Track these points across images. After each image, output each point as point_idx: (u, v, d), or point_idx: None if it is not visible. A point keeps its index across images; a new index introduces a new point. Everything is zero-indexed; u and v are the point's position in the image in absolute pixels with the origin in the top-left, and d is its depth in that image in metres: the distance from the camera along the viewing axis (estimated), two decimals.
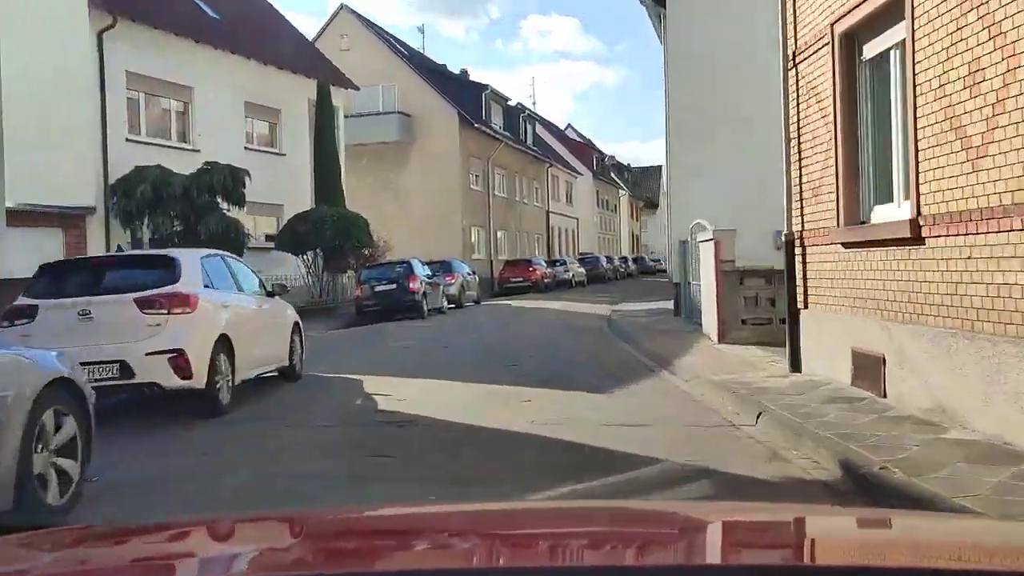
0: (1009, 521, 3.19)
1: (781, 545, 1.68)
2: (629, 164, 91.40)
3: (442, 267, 26.40)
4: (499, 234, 41.33)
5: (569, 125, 78.07)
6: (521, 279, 36.43)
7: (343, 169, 29.57)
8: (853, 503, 4.80)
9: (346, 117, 33.70)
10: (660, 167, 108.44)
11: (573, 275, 42.38)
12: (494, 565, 1.47)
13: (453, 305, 26.06)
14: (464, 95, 37.85)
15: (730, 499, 5.01)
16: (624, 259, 60.09)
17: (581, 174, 60.92)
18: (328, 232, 23.18)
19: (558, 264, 42.04)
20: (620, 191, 79.14)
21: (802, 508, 3.06)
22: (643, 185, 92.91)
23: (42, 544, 1.76)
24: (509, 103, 44.66)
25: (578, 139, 70.76)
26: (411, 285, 21.73)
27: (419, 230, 34.89)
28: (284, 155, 26.35)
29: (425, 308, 22.02)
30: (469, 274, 28.82)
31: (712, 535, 1.74)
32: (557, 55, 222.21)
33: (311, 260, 24.15)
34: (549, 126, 62.51)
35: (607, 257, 53.20)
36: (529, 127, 48.08)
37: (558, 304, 26.81)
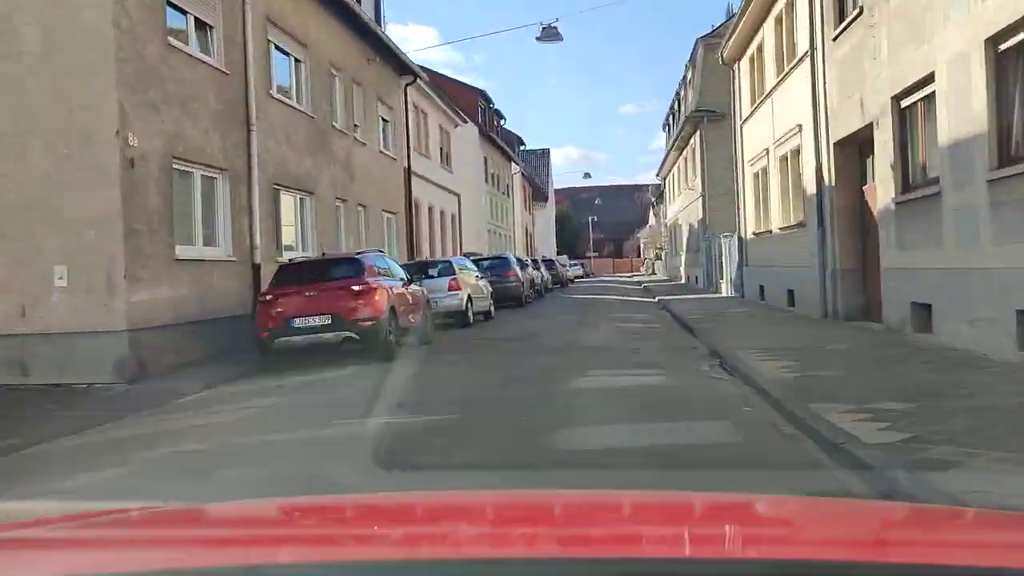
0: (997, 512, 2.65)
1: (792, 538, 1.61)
2: (522, 139, 67.37)
3: None
4: (285, 200, 16.55)
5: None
6: (324, 318, 11.89)
7: None
8: None
9: None
10: (547, 150, 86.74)
11: (468, 298, 18.16)
12: (508, 554, 1.43)
13: None
14: None
15: None
16: (536, 262, 36.13)
17: (464, 122, 36.75)
18: None
19: (435, 272, 17.72)
20: (513, 166, 55.53)
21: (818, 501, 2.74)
22: (531, 172, 70.82)
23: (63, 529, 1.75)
24: None
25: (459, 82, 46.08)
26: None
27: None
28: None
29: None
30: None
31: (718, 527, 1.70)
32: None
33: None
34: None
35: (518, 259, 29.14)
36: None
37: None
